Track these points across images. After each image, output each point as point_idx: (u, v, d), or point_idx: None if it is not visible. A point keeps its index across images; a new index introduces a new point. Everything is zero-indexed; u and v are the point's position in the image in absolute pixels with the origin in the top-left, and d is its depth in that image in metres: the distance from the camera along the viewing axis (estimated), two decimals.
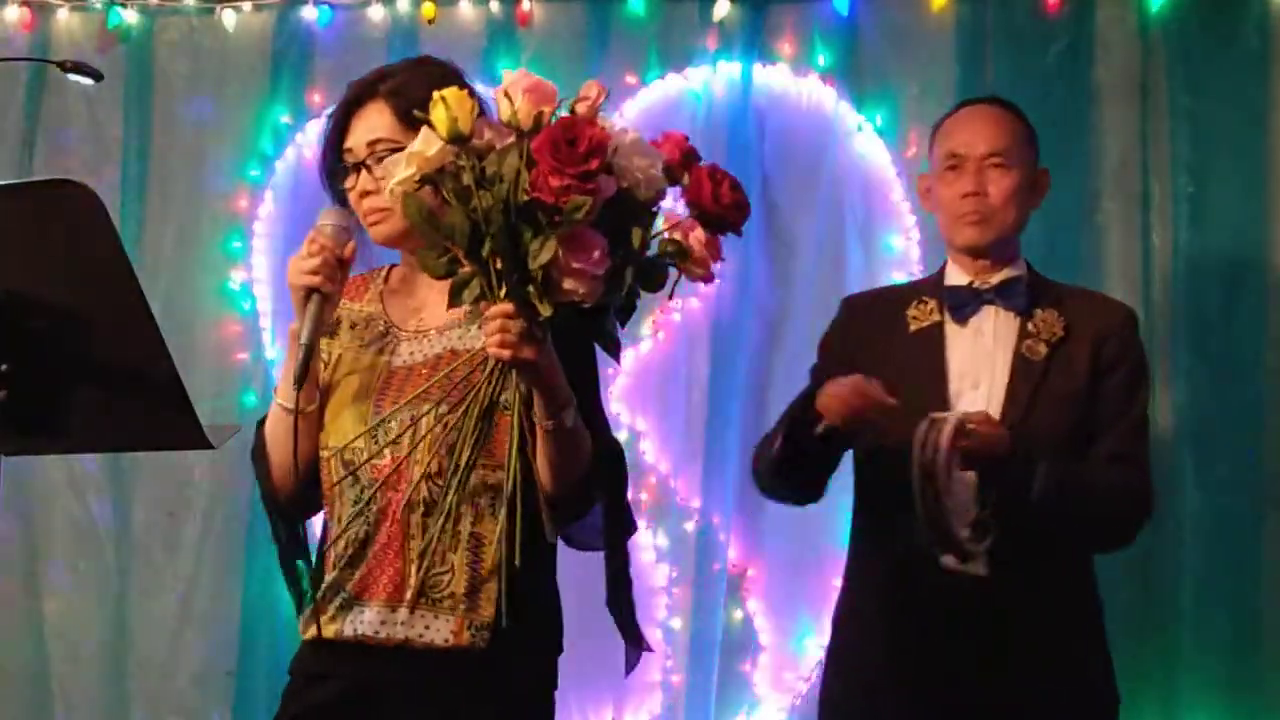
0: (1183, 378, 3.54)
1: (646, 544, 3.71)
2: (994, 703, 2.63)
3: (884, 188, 3.74)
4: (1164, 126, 3.62)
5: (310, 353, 2.15)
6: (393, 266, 2.42)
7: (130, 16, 4.03)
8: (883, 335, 2.81)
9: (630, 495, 3.69)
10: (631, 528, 2.31)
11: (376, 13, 3.95)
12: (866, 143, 3.75)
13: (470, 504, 2.17)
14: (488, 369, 2.08)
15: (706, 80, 3.80)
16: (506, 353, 2.00)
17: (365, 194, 2.27)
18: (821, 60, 3.77)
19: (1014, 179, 2.77)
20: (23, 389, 1.85)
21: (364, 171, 2.27)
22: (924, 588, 2.65)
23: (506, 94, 1.97)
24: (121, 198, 3.94)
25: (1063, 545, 2.68)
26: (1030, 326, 2.74)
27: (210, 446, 1.99)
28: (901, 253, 3.70)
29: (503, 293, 1.96)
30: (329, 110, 3.79)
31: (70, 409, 1.91)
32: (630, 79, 3.82)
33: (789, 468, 2.72)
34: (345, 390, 2.27)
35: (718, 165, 2.04)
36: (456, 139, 1.96)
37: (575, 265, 1.92)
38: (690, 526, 3.72)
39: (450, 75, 2.32)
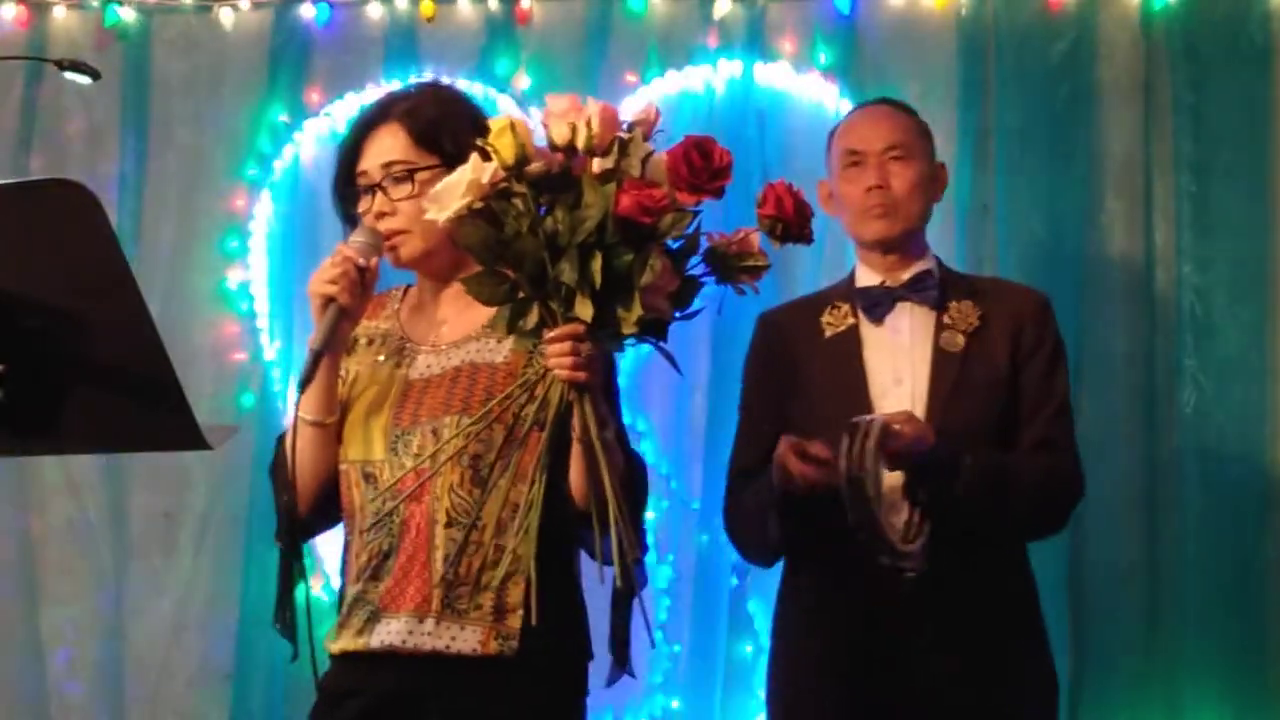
0: (1186, 377, 3.53)
1: (647, 545, 3.70)
2: (936, 695, 2.63)
3: None
4: (1167, 125, 3.62)
5: (319, 357, 2.16)
6: (409, 287, 2.43)
7: (127, 14, 4.01)
8: (800, 345, 2.84)
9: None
10: (644, 547, 2.29)
11: (375, 11, 3.94)
12: None
13: (496, 517, 2.18)
14: (547, 387, 2.05)
15: (707, 78, 3.79)
16: (582, 375, 2.01)
17: (381, 215, 2.28)
18: (823, 58, 3.77)
19: (915, 170, 2.80)
20: (19, 390, 1.84)
21: (379, 193, 2.29)
22: (860, 588, 2.65)
23: (572, 120, 2.00)
24: (118, 197, 3.92)
25: (996, 534, 2.69)
26: (946, 319, 2.76)
27: (208, 447, 1.98)
28: None
29: (587, 314, 1.98)
30: (325, 109, 3.78)
31: (67, 410, 1.90)
32: (630, 77, 3.82)
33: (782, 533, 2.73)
34: (363, 404, 2.29)
35: (783, 179, 2.09)
36: (521, 165, 1.98)
37: (660, 283, 1.99)
38: (690, 528, 3.72)
39: (463, 99, 2.39)
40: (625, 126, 2.05)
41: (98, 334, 1.83)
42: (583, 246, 1.96)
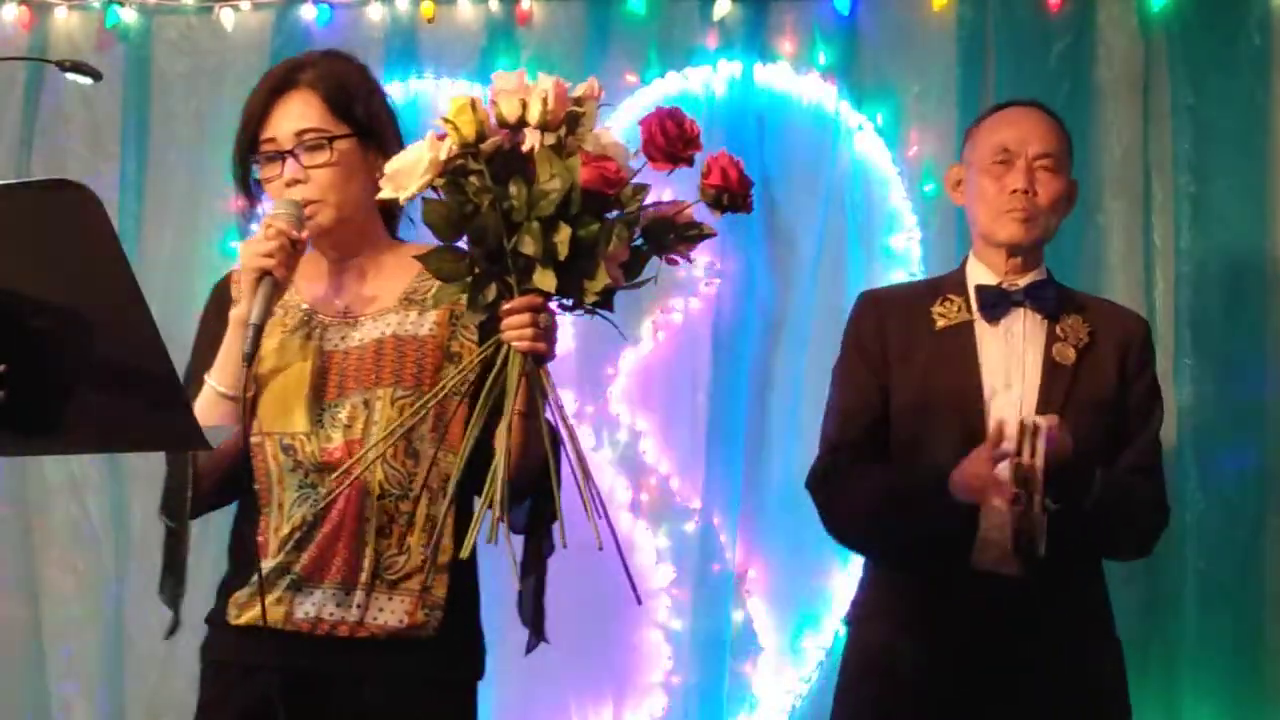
0: (1185, 377, 3.54)
1: (646, 545, 3.71)
2: (1018, 703, 2.62)
3: (884, 187, 3.73)
4: (1165, 125, 3.62)
5: (260, 333, 2.14)
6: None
7: (128, 15, 4.02)
8: (910, 329, 2.79)
9: (630, 496, 3.72)
10: (555, 515, 2.27)
11: (375, 12, 3.94)
12: (867, 142, 3.74)
13: (426, 488, 2.21)
14: (516, 363, 2.06)
15: (707, 79, 3.79)
16: (542, 346, 2.04)
17: (294, 182, 2.27)
18: (822, 59, 3.77)
19: (1060, 183, 2.78)
20: (21, 390, 1.84)
21: (290, 161, 2.27)
22: (959, 588, 2.63)
23: (522, 97, 2.03)
24: (120, 197, 3.93)
25: (1103, 550, 2.71)
26: (1058, 331, 2.74)
27: (208, 447, 1.99)
28: (902, 253, 3.69)
29: (550, 285, 2.00)
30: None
31: (68, 409, 1.89)
32: (630, 78, 3.82)
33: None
34: (277, 376, 2.27)
35: (724, 150, 2.12)
36: (480, 141, 2.00)
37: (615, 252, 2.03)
38: (690, 527, 3.72)
39: (364, 68, 2.39)
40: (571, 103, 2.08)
41: (99, 334, 1.83)
42: (543, 219, 1.99)
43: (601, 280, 2.01)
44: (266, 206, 2.35)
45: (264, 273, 2.17)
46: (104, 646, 3.93)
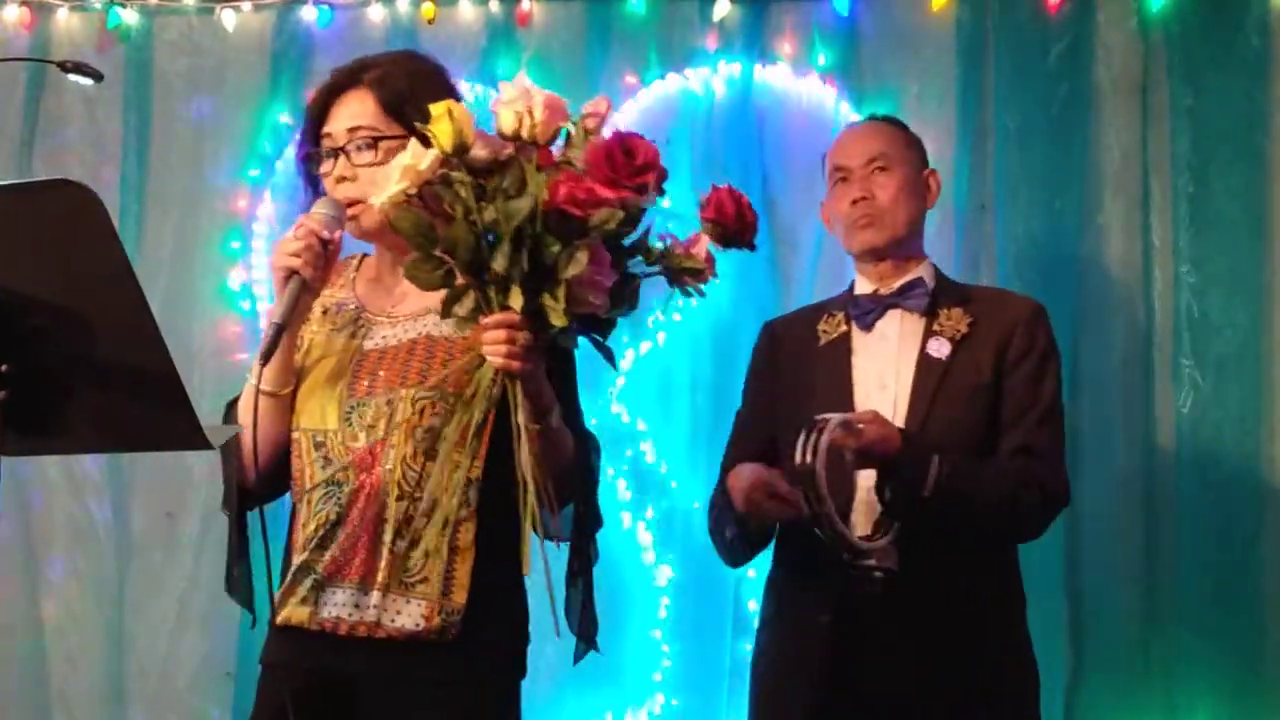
0: (1183, 378, 3.54)
1: (647, 544, 3.71)
2: (903, 696, 2.63)
3: None
4: (1164, 126, 3.62)
5: (280, 331, 2.15)
6: (364, 255, 2.44)
7: (130, 16, 4.02)
8: (796, 353, 2.88)
9: (630, 496, 3.72)
10: (599, 522, 2.32)
11: (376, 13, 3.95)
12: None
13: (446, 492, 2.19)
14: (487, 376, 2.08)
15: (707, 80, 3.80)
16: (516, 364, 2.03)
17: (341, 180, 2.28)
18: (822, 60, 3.77)
19: (898, 180, 2.84)
20: (22, 389, 1.85)
21: (342, 157, 2.28)
22: (831, 587, 2.68)
23: (520, 108, 2.01)
24: (121, 198, 3.93)
25: (966, 537, 2.68)
26: (935, 326, 2.78)
27: (209, 447, 1.99)
28: None
29: (518, 304, 1.99)
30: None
31: (70, 409, 1.90)
32: (630, 79, 3.82)
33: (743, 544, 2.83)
34: (318, 373, 2.28)
35: (731, 185, 2.10)
36: (459, 152, 1.97)
37: (595, 277, 1.97)
38: (690, 528, 3.72)
39: (437, 73, 2.37)
40: (575, 118, 2.06)
41: (100, 334, 1.83)
42: (516, 235, 1.97)
43: (563, 302, 1.98)
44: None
45: (291, 272, 2.18)
46: (105, 646, 3.93)
